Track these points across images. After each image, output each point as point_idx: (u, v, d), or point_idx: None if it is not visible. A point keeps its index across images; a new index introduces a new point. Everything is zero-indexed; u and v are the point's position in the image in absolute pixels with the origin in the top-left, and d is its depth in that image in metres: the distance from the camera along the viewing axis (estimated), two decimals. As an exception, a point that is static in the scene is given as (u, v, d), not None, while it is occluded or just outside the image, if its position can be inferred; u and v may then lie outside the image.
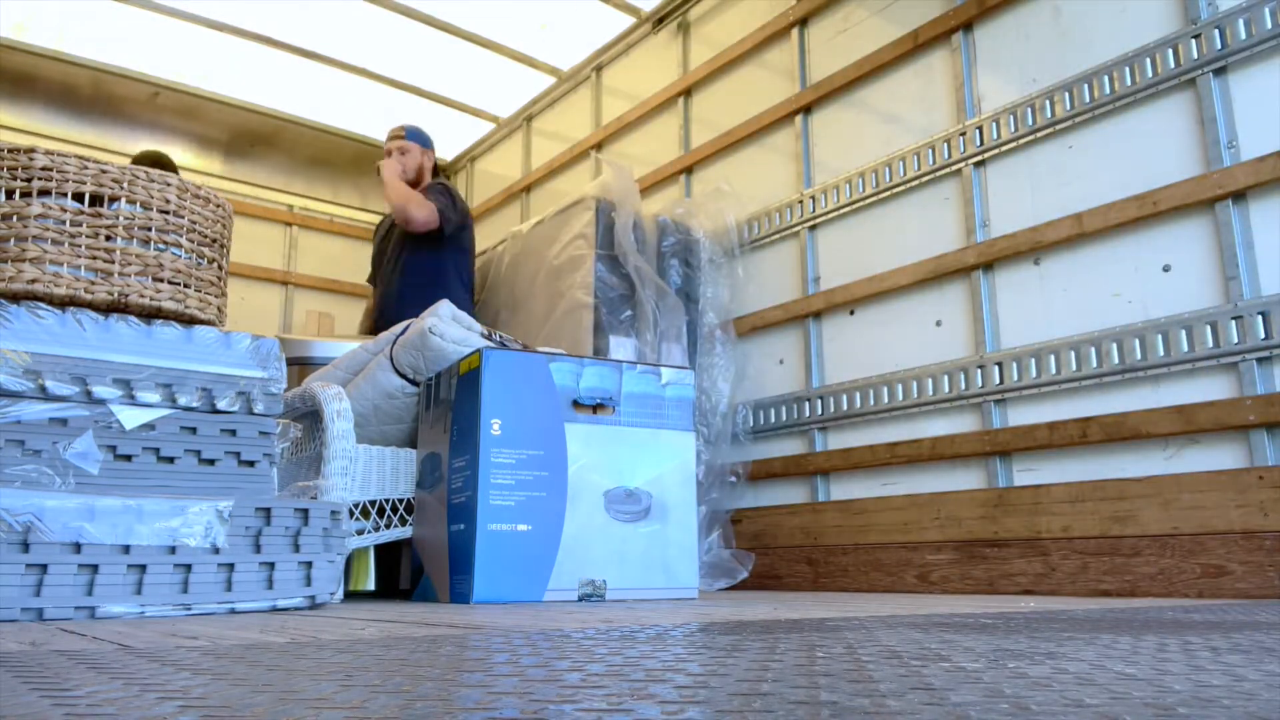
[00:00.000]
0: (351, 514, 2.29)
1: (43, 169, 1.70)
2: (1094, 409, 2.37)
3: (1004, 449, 2.54)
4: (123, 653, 0.84)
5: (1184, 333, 2.21)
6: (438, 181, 3.77)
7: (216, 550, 1.58)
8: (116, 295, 1.74)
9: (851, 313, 3.09)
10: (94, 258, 1.73)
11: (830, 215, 3.20)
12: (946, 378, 2.73)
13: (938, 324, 2.81)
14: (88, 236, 1.72)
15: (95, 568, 1.46)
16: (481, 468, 2.04)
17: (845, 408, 3.02)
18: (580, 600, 2.06)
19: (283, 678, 0.62)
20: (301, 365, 3.09)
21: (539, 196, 4.89)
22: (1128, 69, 2.40)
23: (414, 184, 3.77)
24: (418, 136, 3.88)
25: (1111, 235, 2.41)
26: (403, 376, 2.47)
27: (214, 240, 1.92)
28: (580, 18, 4.30)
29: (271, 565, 1.65)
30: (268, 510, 1.66)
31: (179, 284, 1.83)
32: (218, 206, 1.94)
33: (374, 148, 5.44)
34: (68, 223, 1.71)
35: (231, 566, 1.59)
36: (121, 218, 1.76)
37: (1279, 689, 0.55)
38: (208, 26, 4.29)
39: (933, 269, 2.80)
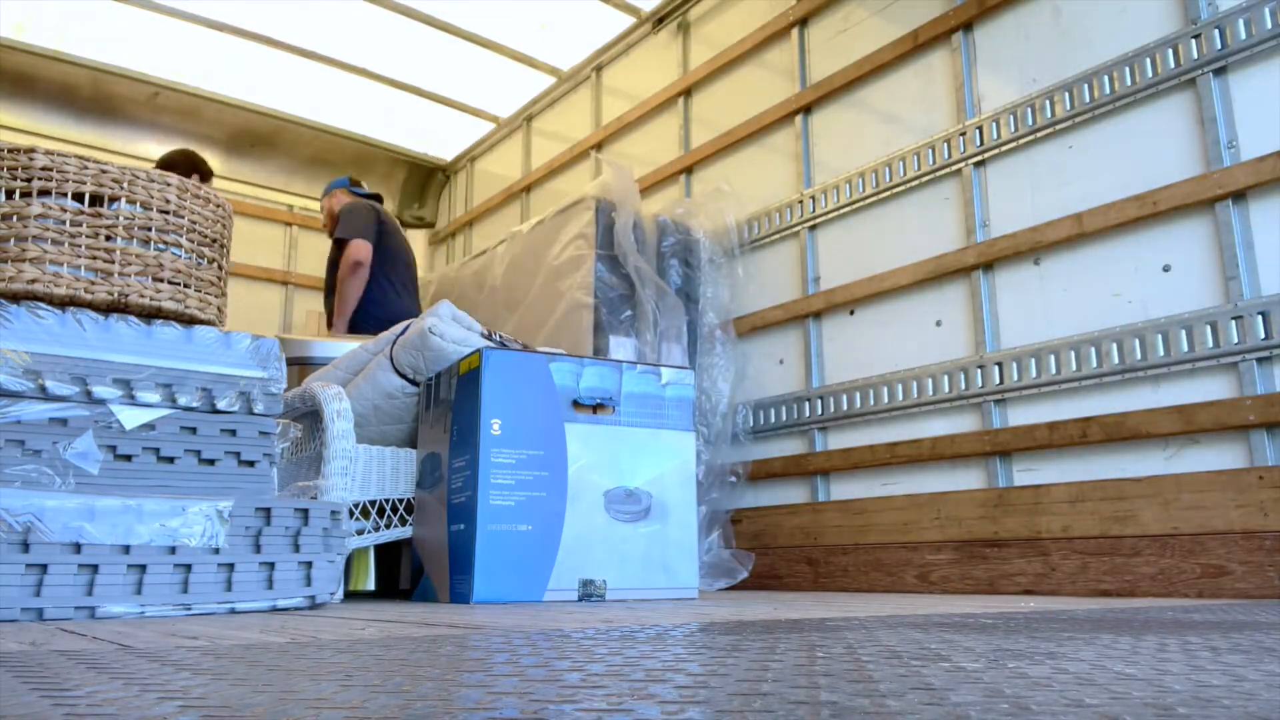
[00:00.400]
0: (351, 514, 2.29)
1: (43, 169, 1.70)
2: (1094, 409, 2.37)
3: (1004, 449, 2.54)
4: (123, 653, 0.84)
5: (1184, 333, 2.21)
6: (344, 207, 3.86)
7: (216, 550, 1.58)
8: (116, 295, 1.74)
9: (851, 313, 3.09)
10: (94, 258, 1.73)
11: (830, 215, 3.20)
12: (946, 378, 2.73)
13: (938, 324, 2.81)
14: (88, 236, 1.72)
15: (95, 568, 1.46)
16: (481, 468, 2.04)
17: (845, 408, 3.02)
18: (580, 600, 2.06)
19: (283, 678, 0.62)
20: (301, 365, 3.09)
21: (539, 196, 4.89)
22: (1128, 69, 2.40)
23: (335, 222, 3.92)
24: (324, 192, 4.14)
25: (1111, 235, 2.41)
26: (403, 376, 2.47)
27: (214, 240, 1.92)
28: (580, 18, 4.30)
29: (271, 565, 1.65)
30: (268, 510, 1.66)
31: (179, 284, 1.83)
32: (218, 206, 1.94)
33: (374, 148, 5.44)
34: (68, 223, 1.71)
35: (231, 566, 1.59)
36: (121, 218, 1.76)
37: (1279, 689, 0.55)
38: (208, 26, 4.29)
39: (933, 269, 2.80)
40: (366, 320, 3.61)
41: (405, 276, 3.85)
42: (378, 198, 4.17)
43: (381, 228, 3.79)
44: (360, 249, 3.65)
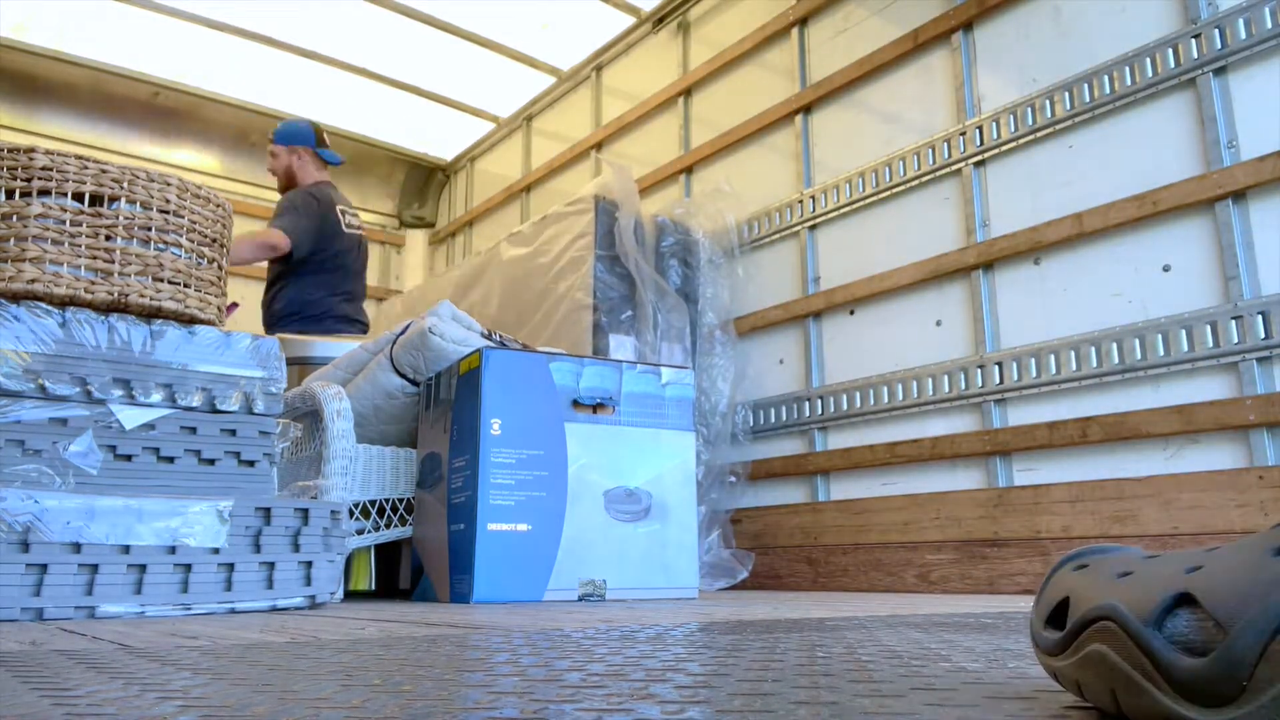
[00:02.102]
0: (351, 514, 2.29)
1: (43, 169, 1.70)
2: (1094, 409, 2.37)
3: (1004, 449, 2.54)
4: (123, 652, 0.84)
5: (1184, 333, 2.21)
6: (303, 190, 3.57)
7: (216, 550, 1.58)
8: (116, 295, 1.74)
9: (851, 313, 3.09)
10: (94, 258, 1.73)
11: (830, 215, 3.20)
12: (946, 377, 2.73)
13: (938, 324, 2.81)
14: (88, 236, 1.72)
15: (95, 567, 1.46)
16: (481, 467, 2.04)
17: (845, 408, 3.02)
18: (580, 600, 2.06)
19: (283, 678, 0.62)
20: (301, 365, 3.09)
21: (539, 196, 4.90)
22: (1128, 69, 2.40)
23: (285, 188, 3.66)
24: (283, 135, 3.70)
25: (1111, 235, 2.41)
26: (403, 376, 2.47)
27: (214, 240, 1.92)
28: (580, 18, 4.30)
29: (271, 565, 1.64)
30: (268, 510, 1.66)
31: (179, 284, 1.83)
32: (218, 206, 1.94)
33: (374, 148, 5.44)
34: (68, 223, 1.71)
35: (231, 566, 1.59)
36: (121, 218, 1.76)
37: (1279, 689, 0.55)
38: (208, 26, 4.29)
39: (933, 269, 2.80)
40: (288, 320, 3.44)
41: (333, 267, 3.55)
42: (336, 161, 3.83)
43: (323, 228, 3.49)
44: (282, 242, 3.37)
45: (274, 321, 3.53)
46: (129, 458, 1.70)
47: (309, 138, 3.71)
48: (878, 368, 2.95)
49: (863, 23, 3.20)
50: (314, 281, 3.51)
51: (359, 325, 3.67)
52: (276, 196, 5.59)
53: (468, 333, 2.47)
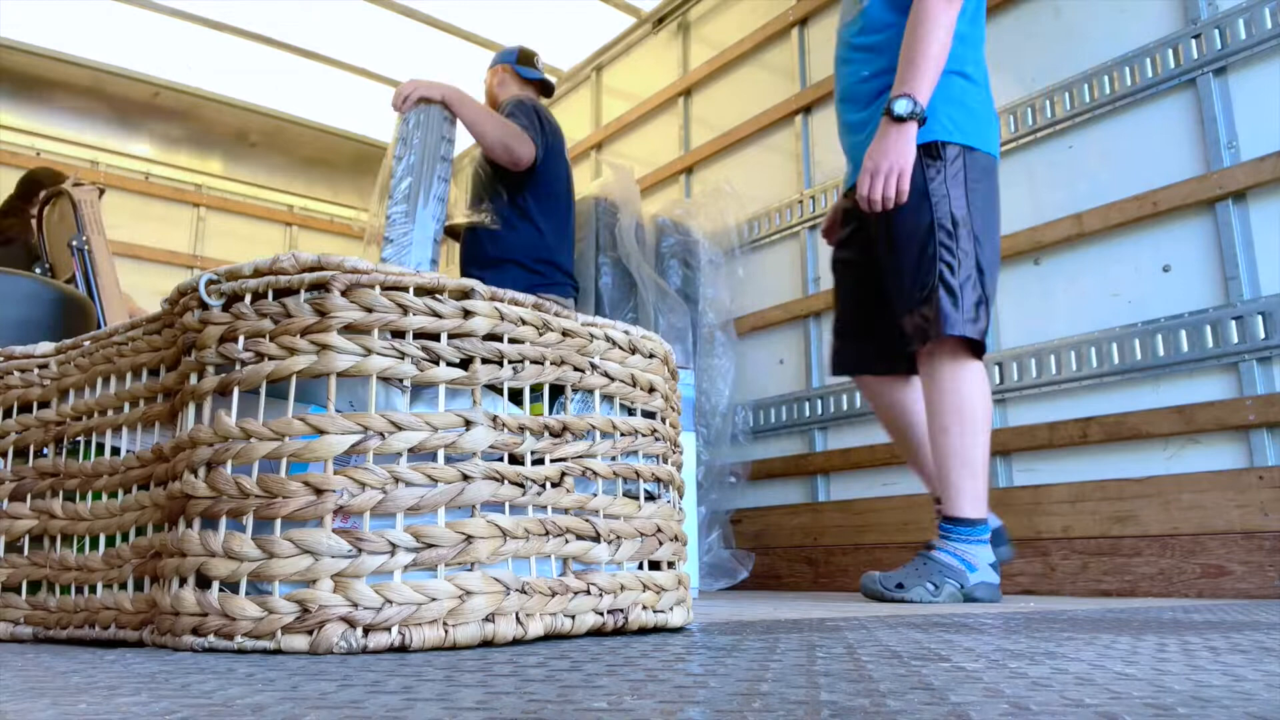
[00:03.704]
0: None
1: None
2: (1094, 409, 2.37)
3: (1004, 449, 2.54)
4: (123, 652, 0.84)
5: (1184, 333, 2.21)
6: (518, 100, 2.94)
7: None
8: None
9: (851, 313, 3.09)
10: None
11: (830, 215, 3.20)
12: (946, 378, 2.73)
13: (938, 324, 2.80)
14: None
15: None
16: (481, 468, 2.04)
17: (845, 408, 3.02)
18: (580, 600, 2.05)
19: (284, 676, 0.62)
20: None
21: (539, 196, 4.89)
22: (1128, 69, 2.40)
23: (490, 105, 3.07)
24: (494, 59, 3.22)
25: (1111, 235, 2.41)
26: (403, 376, 2.47)
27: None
28: (580, 18, 4.31)
29: (271, 565, 1.64)
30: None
31: None
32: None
33: (374, 147, 5.44)
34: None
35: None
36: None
37: (1278, 689, 0.55)
38: (208, 26, 4.30)
39: (933, 269, 2.79)
40: (506, 266, 2.74)
41: (563, 211, 2.89)
42: (548, 87, 3.23)
43: (548, 139, 2.83)
44: (528, 146, 2.73)
45: (488, 265, 2.77)
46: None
47: (510, 55, 3.17)
48: (878, 368, 2.95)
49: (863, 23, 3.20)
50: (550, 223, 2.83)
51: (575, 286, 2.96)
52: (278, 199, 5.54)
53: (468, 333, 2.46)
